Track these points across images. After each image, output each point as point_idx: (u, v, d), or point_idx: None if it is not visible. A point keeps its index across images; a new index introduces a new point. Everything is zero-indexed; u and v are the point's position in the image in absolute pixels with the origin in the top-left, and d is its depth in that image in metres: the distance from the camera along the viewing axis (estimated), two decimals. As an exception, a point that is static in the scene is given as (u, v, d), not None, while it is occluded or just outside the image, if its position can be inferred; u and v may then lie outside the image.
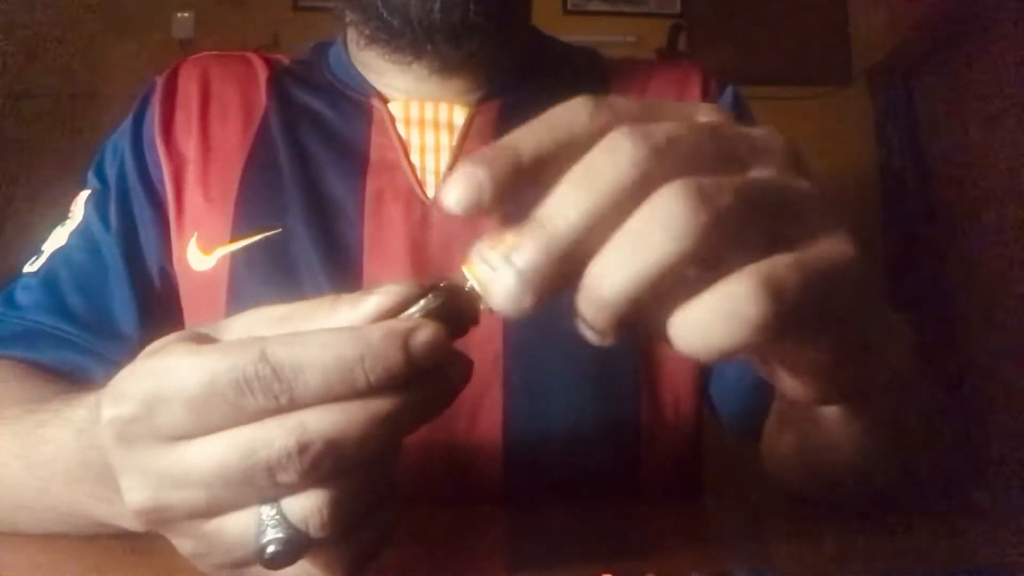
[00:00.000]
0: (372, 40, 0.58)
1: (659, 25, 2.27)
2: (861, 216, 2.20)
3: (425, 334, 0.25)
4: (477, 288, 0.25)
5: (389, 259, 0.56)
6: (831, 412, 0.37)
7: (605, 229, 0.24)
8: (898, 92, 2.17)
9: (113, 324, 0.57)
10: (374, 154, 0.59)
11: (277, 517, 0.26)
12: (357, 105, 0.62)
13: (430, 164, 0.59)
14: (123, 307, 0.57)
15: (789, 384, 0.31)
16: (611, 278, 0.24)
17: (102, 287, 0.58)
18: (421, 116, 0.60)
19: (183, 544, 0.28)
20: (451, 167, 0.58)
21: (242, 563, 0.28)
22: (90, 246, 0.59)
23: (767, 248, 0.25)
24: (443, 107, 0.60)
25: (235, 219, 0.58)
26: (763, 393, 0.52)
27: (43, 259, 0.59)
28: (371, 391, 0.25)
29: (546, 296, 0.24)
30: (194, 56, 0.66)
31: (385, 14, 0.55)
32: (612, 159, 0.24)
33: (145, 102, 0.63)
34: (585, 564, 0.33)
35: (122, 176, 0.61)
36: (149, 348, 0.28)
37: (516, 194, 0.25)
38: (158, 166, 0.60)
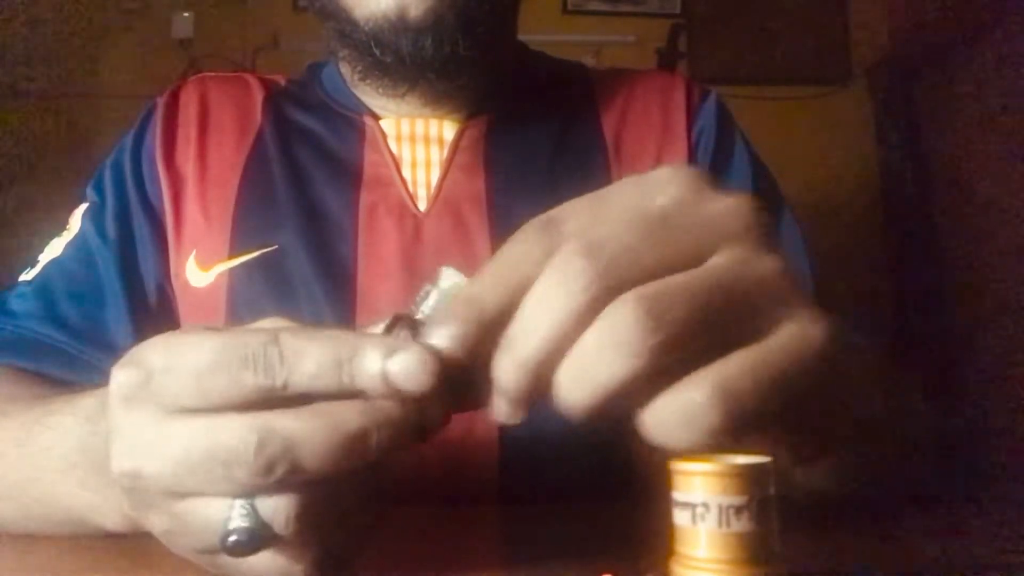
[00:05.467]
0: (365, 75, 0.60)
1: (659, 25, 2.27)
2: (861, 216, 2.20)
3: (411, 353, 0.26)
4: None
5: (382, 272, 0.57)
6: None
7: (568, 344, 0.26)
8: (898, 92, 2.17)
9: (106, 334, 0.57)
10: (367, 170, 0.61)
11: (247, 507, 0.27)
12: (350, 123, 0.63)
13: (421, 178, 0.60)
14: (117, 318, 0.58)
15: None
16: (574, 391, 0.26)
17: (96, 298, 0.58)
18: (412, 132, 0.62)
19: (157, 520, 0.29)
20: (441, 181, 0.60)
21: (207, 550, 0.28)
22: (85, 257, 0.60)
23: (723, 346, 0.26)
24: (433, 123, 0.62)
25: (232, 236, 0.59)
26: None
27: (38, 269, 0.60)
28: (350, 396, 0.27)
29: (528, 403, 0.27)
30: (195, 77, 0.68)
31: (378, 52, 0.56)
32: (563, 284, 0.26)
33: (146, 121, 0.64)
34: (585, 564, 0.33)
35: (122, 192, 0.62)
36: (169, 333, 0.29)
37: (491, 338, 0.27)
38: (157, 185, 0.61)
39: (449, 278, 0.29)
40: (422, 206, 0.59)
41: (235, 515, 0.27)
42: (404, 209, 0.59)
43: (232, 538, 0.26)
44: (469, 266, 0.58)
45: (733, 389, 0.25)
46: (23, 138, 1.95)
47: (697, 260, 0.27)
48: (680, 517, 0.26)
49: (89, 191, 0.63)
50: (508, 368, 0.27)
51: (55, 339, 0.56)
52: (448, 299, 0.28)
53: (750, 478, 0.25)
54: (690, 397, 0.25)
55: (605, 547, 0.38)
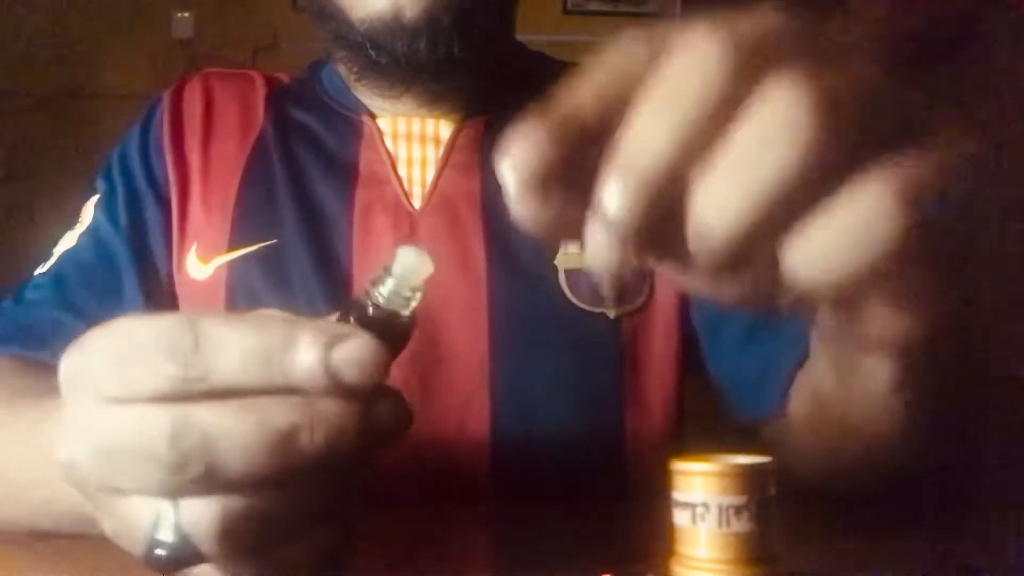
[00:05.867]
0: (361, 76, 0.60)
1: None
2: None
3: (356, 342, 0.24)
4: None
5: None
6: (880, 369, 0.33)
7: (703, 153, 0.20)
8: (898, 92, 2.17)
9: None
10: (363, 168, 0.61)
11: (171, 518, 0.24)
12: (347, 121, 0.63)
13: (416, 176, 0.61)
14: (132, 303, 0.58)
15: (864, 327, 0.25)
16: (726, 208, 0.20)
17: (111, 284, 0.59)
18: (408, 130, 0.62)
19: (106, 520, 0.27)
20: (436, 179, 0.61)
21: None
22: (99, 246, 0.60)
23: (889, 148, 0.21)
24: (430, 122, 0.62)
25: (232, 230, 0.59)
26: (776, 369, 0.52)
27: (52, 260, 0.61)
28: (288, 392, 0.24)
29: (647, 248, 0.21)
30: (200, 73, 0.68)
31: (373, 53, 0.56)
32: (697, 64, 0.20)
33: (152, 113, 0.65)
34: (585, 564, 0.33)
35: (131, 180, 0.62)
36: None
37: (581, 156, 0.21)
38: (166, 172, 0.62)
39: (404, 261, 0.27)
40: (417, 204, 0.60)
41: (162, 523, 0.24)
42: (399, 207, 0.59)
43: (156, 551, 0.24)
44: (464, 265, 0.59)
45: (916, 187, 0.20)
46: (23, 138, 1.95)
47: (843, 55, 0.21)
48: (680, 517, 0.26)
49: (99, 181, 0.64)
50: (621, 186, 0.20)
51: (70, 325, 0.56)
52: (406, 281, 0.26)
53: (750, 478, 0.25)
54: (863, 205, 0.20)
55: (605, 547, 0.38)
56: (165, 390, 0.24)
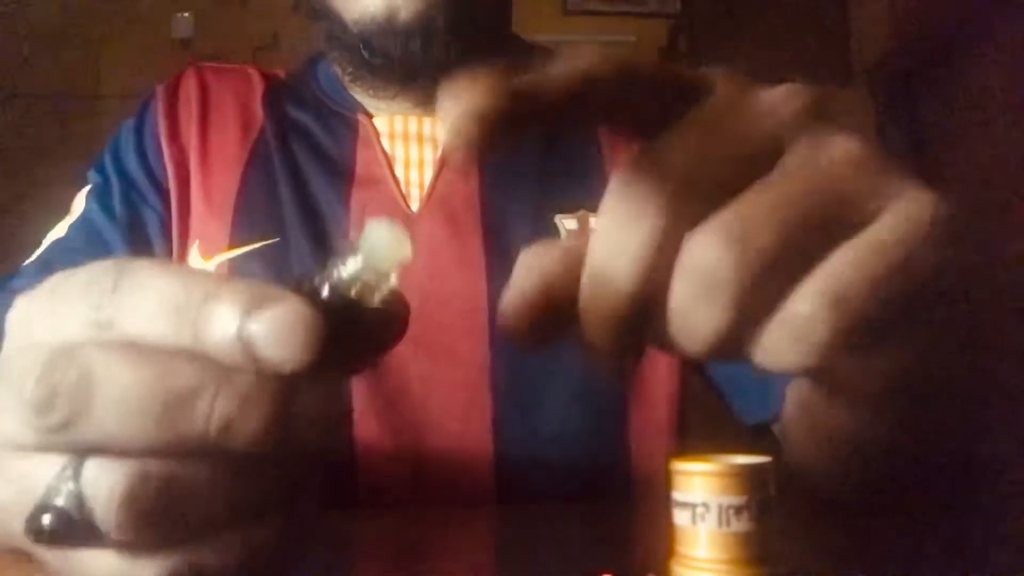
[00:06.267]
0: (355, 77, 0.60)
1: (659, 25, 2.27)
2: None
3: (281, 310, 0.20)
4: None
5: None
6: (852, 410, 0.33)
7: (656, 283, 0.23)
8: (898, 92, 2.17)
9: None
10: (360, 168, 0.61)
11: (70, 476, 0.20)
12: (344, 120, 0.63)
13: (414, 177, 0.60)
14: None
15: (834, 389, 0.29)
16: (688, 344, 0.23)
17: None
18: (405, 130, 0.62)
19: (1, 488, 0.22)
20: (434, 181, 0.60)
21: (18, 536, 0.21)
22: (92, 235, 0.59)
23: (825, 250, 0.22)
24: (427, 121, 0.62)
25: (233, 227, 0.59)
26: (771, 378, 0.52)
27: (41, 249, 0.60)
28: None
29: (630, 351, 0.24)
30: (193, 67, 0.67)
31: (367, 54, 0.56)
32: (629, 223, 0.23)
33: (147, 105, 0.64)
34: (585, 564, 0.33)
35: (126, 172, 0.62)
36: None
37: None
38: (162, 164, 0.61)
39: (372, 238, 0.21)
40: (415, 206, 0.59)
41: (60, 486, 0.20)
42: (396, 208, 0.59)
43: (43, 516, 0.20)
44: (462, 266, 0.58)
45: (843, 292, 0.21)
46: (23, 138, 1.95)
47: (767, 164, 0.23)
48: (680, 517, 0.26)
49: (91, 173, 0.63)
50: (598, 324, 0.23)
51: None
52: (374, 262, 0.21)
53: (750, 478, 0.25)
54: (796, 313, 0.22)
55: (605, 547, 0.38)
56: (74, 334, 0.21)
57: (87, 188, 0.62)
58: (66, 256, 0.58)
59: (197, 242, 0.59)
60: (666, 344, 0.24)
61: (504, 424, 0.56)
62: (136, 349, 0.20)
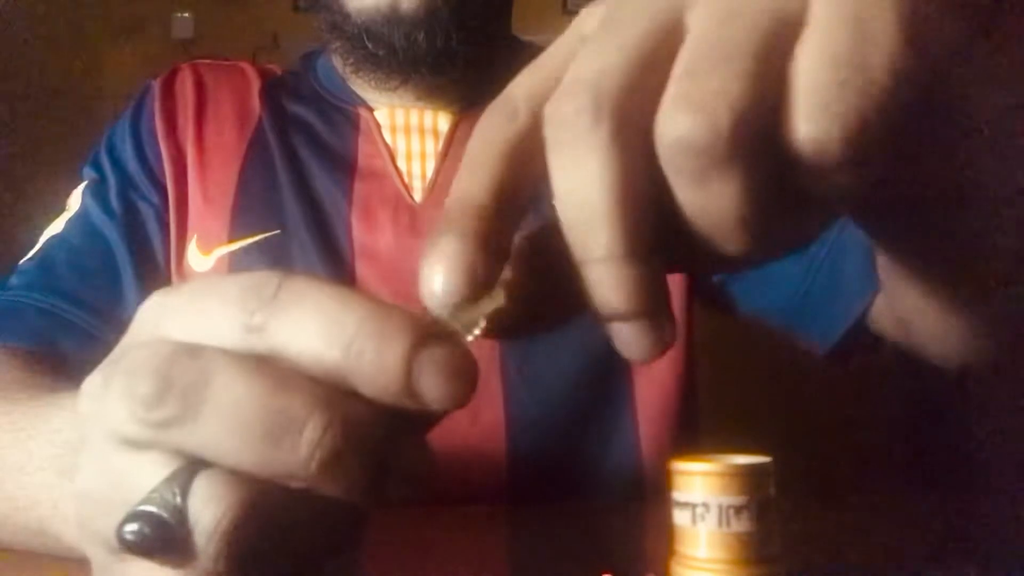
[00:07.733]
0: (358, 68, 0.60)
1: (659, 25, 2.26)
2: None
3: (454, 350, 0.19)
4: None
5: (379, 263, 0.58)
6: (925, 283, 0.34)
7: (650, 78, 0.19)
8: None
9: (119, 304, 0.57)
10: (361, 161, 0.61)
11: (176, 489, 0.19)
12: (344, 114, 0.63)
13: (416, 170, 0.61)
14: (129, 288, 0.58)
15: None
16: (695, 130, 0.19)
17: (101, 268, 0.58)
18: (407, 123, 0.62)
19: (89, 473, 0.21)
20: (437, 173, 0.60)
21: (110, 540, 0.20)
22: (89, 231, 0.59)
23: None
24: (428, 114, 0.62)
25: (232, 221, 0.59)
26: (842, 300, 0.53)
27: (38, 246, 0.60)
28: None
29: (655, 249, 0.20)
30: (189, 63, 0.67)
31: (370, 45, 0.56)
32: (626, 17, 0.20)
33: (142, 100, 0.64)
34: (585, 564, 0.33)
35: (122, 167, 0.61)
36: None
37: (508, 232, 0.21)
38: (159, 159, 0.61)
39: None
40: (418, 197, 0.60)
41: (163, 496, 0.19)
42: (399, 201, 0.59)
43: (128, 528, 0.19)
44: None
45: (839, 50, 0.18)
46: (23, 138, 1.95)
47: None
48: (680, 517, 0.26)
49: (87, 170, 0.63)
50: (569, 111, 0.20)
51: (57, 307, 0.55)
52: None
53: (750, 478, 0.25)
54: (809, 76, 0.18)
55: (605, 547, 0.38)
56: (224, 335, 0.20)
57: (83, 184, 0.62)
58: (64, 252, 0.58)
59: (195, 236, 0.59)
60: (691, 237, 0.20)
61: (516, 410, 0.56)
62: (260, 363, 0.19)
